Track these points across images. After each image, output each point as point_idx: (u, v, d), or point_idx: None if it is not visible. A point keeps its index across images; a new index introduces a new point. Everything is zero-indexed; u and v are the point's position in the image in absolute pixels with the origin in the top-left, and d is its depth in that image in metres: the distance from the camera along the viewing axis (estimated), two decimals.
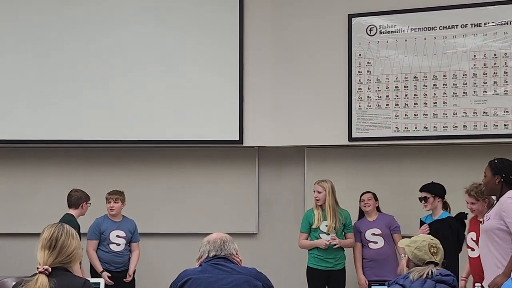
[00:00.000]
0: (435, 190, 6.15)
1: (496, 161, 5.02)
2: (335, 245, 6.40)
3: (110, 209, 6.64)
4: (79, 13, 7.37)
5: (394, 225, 6.53)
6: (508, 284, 2.54)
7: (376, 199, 6.61)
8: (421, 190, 6.21)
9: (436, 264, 3.61)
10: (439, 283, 3.48)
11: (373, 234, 6.49)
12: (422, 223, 6.18)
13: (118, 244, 6.61)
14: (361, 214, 6.65)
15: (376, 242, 6.48)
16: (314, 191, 6.55)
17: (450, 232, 5.86)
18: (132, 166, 7.55)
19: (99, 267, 6.50)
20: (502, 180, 4.92)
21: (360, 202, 6.62)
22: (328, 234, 6.44)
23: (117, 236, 6.62)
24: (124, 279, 6.59)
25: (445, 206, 6.18)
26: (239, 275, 3.74)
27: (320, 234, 6.48)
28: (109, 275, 6.48)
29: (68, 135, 7.29)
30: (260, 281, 3.76)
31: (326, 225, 6.47)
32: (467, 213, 5.99)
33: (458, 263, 5.93)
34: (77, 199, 6.45)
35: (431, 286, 3.47)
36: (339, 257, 6.50)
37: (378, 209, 6.64)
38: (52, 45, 7.34)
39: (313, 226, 6.49)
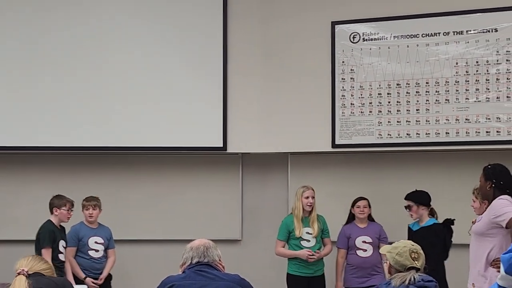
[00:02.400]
0: (418, 198, 6.17)
1: (489, 166, 5.10)
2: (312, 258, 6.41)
3: (89, 216, 6.60)
4: (69, 20, 7.35)
5: (383, 235, 6.48)
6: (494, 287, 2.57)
7: (369, 206, 6.57)
8: (405, 199, 6.24)
9: (417, 269, 3.63)
10: None
11: (364, 241, 6.44)
12: (409, 230, 6.19)
13: (97, 251, 6.59)
14: (350, 218, 6.60)
15: (366, 250, 6.43)
16: (306, 197, 6.48)
17: (436, 239, 5.89)
18: (115, 173, 7.53)
19: (81, 274, 6.47)
20: (493, 185, 4.99)
21: (353, 207, 6.55)
22: (309, 241, 6.46)
23: (96, 242, 6.60)
24: (92, 282, 6.49)
25: (432, 213, 6.18)
26: (222, 281, 3.75)
27: (301, 242, 6.49)
28: (93, 280, 6.47)
29: (53, 142, 7.26)
30: None
31: (307, 232, 6.47)
32: (454, 219, 6.04)
33: (445, 270, 5.95)
34: (50, 205, 6.43)
35: None
36: (319, 263, 6.51)
37: (370, 216, 6.60)
38: (39, 51, 7.31)
39: (296, 235, 6.48)
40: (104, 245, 6.63)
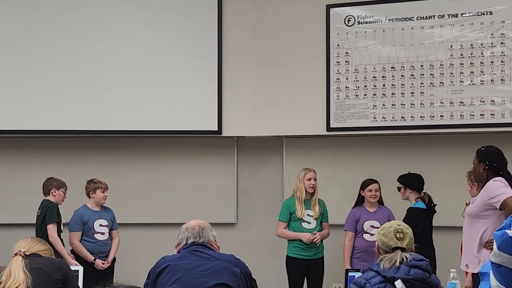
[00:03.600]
0: (405, 181, 6.20)
1: (482, 148, 5.13)
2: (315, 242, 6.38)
3: (104, 198, 6.61)
4: (63, 4, 7.33)
5: (392, 219, 6.15)
6: (487, 265, 2.58)
7: (379, 188, 6.47)
8: (397, 180, 6.28)
9: (403, 249, 3.64)
10: (413, 268, 3.51)
11: (372, 226, 6.33)
12: None
13: (103, 233, 6.59)
14: (359, 201, 6.49)
15: (373, 235, 6.30)
16: (309, 179, 6.43)
17: (408, 222, 5.83)
18: (110, 156, 7.53)
19: (89, 257, 6.44)
20: (486, 167, 5.01)
21: (363, 190, 6.42)
22: (310, 223, 6.45)
23: (100, 225, 6.59)
24: (102, 263, 6.50)
25: (423, 198, 6.13)
26: (217, 261, 3.77)
27: (302, 224, 6.48)
28: (103, 261, 6.48)
29: (46, 126, 7.25)
30: (238, 267, 3.79)
31: (308, 215, 6.45)
32: (436, 204, 6.07)
33: (432, 252, 5.95)
34: (47, 185, 6.48)
35: (405, 271, 3.49)
36: (318, 245, 6.47)
37: (380, 199, 6.50)
38: (33, 35, 7.29)
39: (297, 217, 6.44)
40: (108, 226, 6.64)
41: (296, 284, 6.52)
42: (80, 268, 4.55)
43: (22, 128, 7.28)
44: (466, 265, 5.07)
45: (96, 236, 6.56)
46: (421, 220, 5.96)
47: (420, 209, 6.06)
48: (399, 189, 6.23)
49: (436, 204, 6.11)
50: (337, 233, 6.70)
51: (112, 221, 6.70)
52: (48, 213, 6.32)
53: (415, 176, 6.24)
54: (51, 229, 6.23)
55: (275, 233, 6.62)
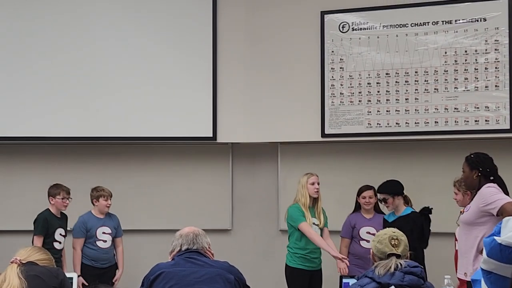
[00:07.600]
0: (392, 189, 6.05)
1: (472, 156, 5.11)
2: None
3: (107, 206, 6.60)
4: (56, 9, 7.32)
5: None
6: (478, 272, 2.59)
7: (375, 195, 6.33)
8: (378, 192, 6.15)
9: (398, 256, 3.64)
10: (408, 274, 3.52)
11: (368, 232, 6.26)
12: (385, 221, 6.05)
13: (105, 241, 6.57)
14: (357, 208, 6.44)
15: (369, 241, 6.31)
16: (312, 183, 6.20)
17: (414, 227, 5.78)
18: (105, 163, 7.52)
19: (78, 270, 6.38)
20: (479, 174, 5.01)
21: (358, 197, 6.38)
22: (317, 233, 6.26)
23: (103, 232, 6.57)
24: (114, 280, 6.56)
25: (406, 201, 6.10)
26: (211, 268, 3.77)
27: None
28: (85, 283, 6.38)
29: (40, 132, 7.24)
30: (232, 274, 3.79)
31: (314, 223, 6.19)
32: (432, 208, 5.99)
33: (424, 258, 5.92)
34: (47, 194, 6.44)
35: (400, 278, 3.50)
36: (320, 256, 6.30)
37: (377, 206, 6.42)
38: (25, 41, 7.28)
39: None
40: (111, 234, 6.62)
41: None
42: (74, 275, 4.55)
43: (16, 134, 7.27)
44: (465, 273, 5.04)
45: (98, 243, 6.55)
46: (423, 223, 5.88)
47: (418, 212, 5.97)
48: (385, 200, 6.06)
49: (432, 208, 6.01)
50: (332, 239, 6.68)
51: (116, 229, 6.68)
52: (35, 225, 6.33)
53: (396, 182, 6.14)
54: (36, 241, 6.18)
55: (269, 240, 6.57)
